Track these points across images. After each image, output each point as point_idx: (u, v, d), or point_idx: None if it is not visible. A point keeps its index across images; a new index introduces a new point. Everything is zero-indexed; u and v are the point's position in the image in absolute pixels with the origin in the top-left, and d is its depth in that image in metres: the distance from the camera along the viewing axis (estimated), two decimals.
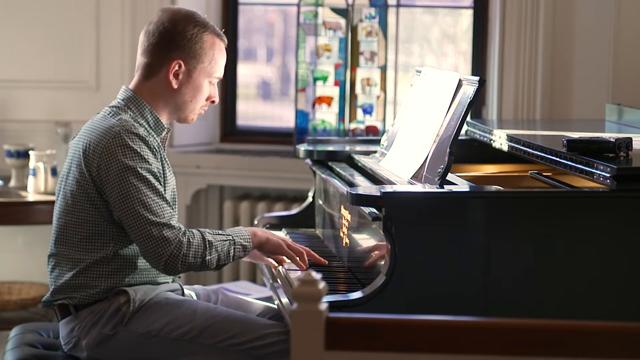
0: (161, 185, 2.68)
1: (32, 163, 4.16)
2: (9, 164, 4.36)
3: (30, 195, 4.14)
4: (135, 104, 2.76)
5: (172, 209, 2.68)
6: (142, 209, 2.60)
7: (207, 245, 2.64)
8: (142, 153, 2.64)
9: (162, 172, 2.73)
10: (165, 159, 2.78)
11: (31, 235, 4.71)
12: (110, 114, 2.73)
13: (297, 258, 2.77)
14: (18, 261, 4.78)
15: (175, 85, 2.76)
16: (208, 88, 2.81)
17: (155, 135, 2.77)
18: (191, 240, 2.62)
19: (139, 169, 2.62)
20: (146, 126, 2.76)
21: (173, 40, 2.75)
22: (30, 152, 4.19)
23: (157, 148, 2.72)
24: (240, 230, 2.74)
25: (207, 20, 2.81)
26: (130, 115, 2.74)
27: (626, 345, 1.64)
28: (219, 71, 2.82)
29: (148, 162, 2.65)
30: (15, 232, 4.77)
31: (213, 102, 2.85)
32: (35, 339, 2.89)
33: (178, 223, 2.65)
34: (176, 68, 2.75)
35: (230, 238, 2.69)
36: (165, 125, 2.81)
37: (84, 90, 4.72)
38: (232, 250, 2.69)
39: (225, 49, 2.85)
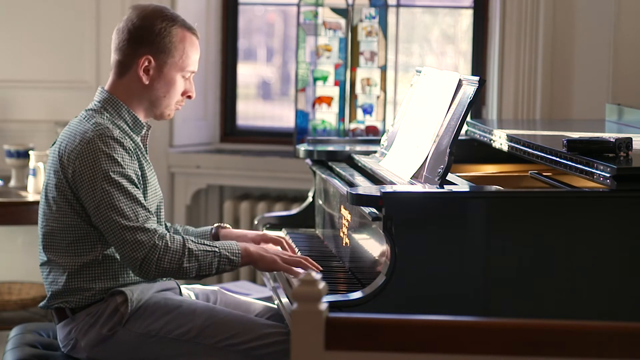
0: (138, 187, 2.66)
1: (32, 163, 4.16)
2: (9, 164, 4.36)
3: (30, 195, 4.14)
4: (111, 105, 2.75)
5: (150, 212, 2.64)
6: (114, 214, 2.59)
7: (187, 253, 2.60)
8: (116, 156, 2.62)
9: (140, 173, 2.70)
10: (146, 158, 2.77)
11: (31, 235, 4.71)
12: (86, 118, 2.72)
13: (295, 271, 2.73)
14: (18, 261, 4.78)
15: (146, 81, 2.75)
16: (182, 83, 2.79)
17: (134, 135, 2.76)
18: (169, 245, 2.59)
19: (111, 174, 2.60)
20: (124, 127, 2.74)
21: (141, 36, 2.73)
22: (30, 152, 4.19)
23: (133, 149, 2.71)
24: (231, 244, 2.68)
25: (176, 14, 2.79)
26: (107, 117, 2.72)
27: (626, 345, 1.64)
28: (192, 65, 2.80)
29: (122, 165, 2.63)
30: (15, 232, 4.77)
31: (189, 97, 2.83)
32: (35, 339, 2.89)
33: (158, 226, 2.62)
34: (146, 64, 2.74)
35: (216, 250, 2.64)
36: (144, 123, 2.80)
37: (84, 90, 4.71)
38: (216, 262, 2.63)
39: (198, 41, 2.82)
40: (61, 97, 4.76)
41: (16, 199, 4.13)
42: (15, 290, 4.61)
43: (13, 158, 4.33)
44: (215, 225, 3.00)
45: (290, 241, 2.96)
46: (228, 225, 3.01)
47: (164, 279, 2.83)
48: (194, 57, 2.80)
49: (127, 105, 2.76)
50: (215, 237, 2.96)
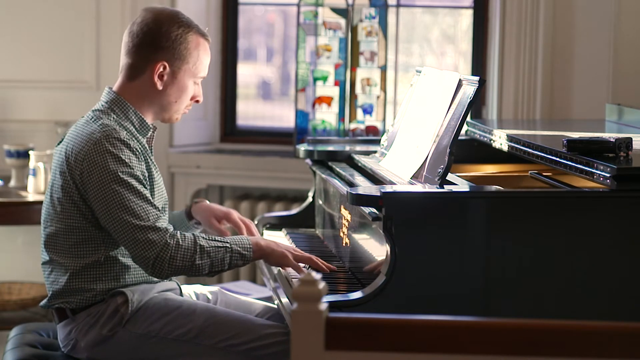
0: (146, 188, 2.66)
1: (32, 163, 4.16)
2: (9, 164, 4.36)
3: (30, 195, 4.14)
4: (119, 106, 2.75)
5: (160, 210, 2.65)
6: (125, 215, 2.58)
7: (198, 250, 2.59)
8: (123, 157, 2.62)
9: (146, 175, 2.70)
10: (152, 160, 2.77)
11: (31, 235, 4.71)
12: (93, 119, 2.71)
13: (303, 270, 2.72)
14: (18, 261, 4.78)
15: (160, 87, 2.74)
16: (193, 88, 2.79)
17: (140, 137, 2.76)
18: (180, 243, 2.58)
19: (120, 174, 2.60)
20: (131, 128, 2.74)
21: (157, 42, 2.72)
22: (30, 152, 4.20)
23: (140, 150, 2.71)
24: (242, 239, 2.67)
25: (191, 20, 2.78)
26: (114, 118, 2.72)
27: (626, 345, 1.64)
28: (204, 71, 2.80)
29: (130, 166, 2.63)
30: (15, 232, 4.77)
31: (197, 101, 2.84)
32: (35, 339, 2.89)
33: (168, 225, 2.62)
34: (161, 69, 2.73)
35: (228, 245, 2.63)
36: (151, 126, 2.80)
37: (84, 90, 4.72)
38: (228, 258, 2.62)
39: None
40: (61, 97, 4.76)
41: (16, 199, 4.13)
42: (15, 290, 4.61)
43: (13, 158, 4.33)
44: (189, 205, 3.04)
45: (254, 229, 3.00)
46: (202, 199, 3.06)
47: (168, 279, 2.83)
48: (206, 62, 2.81)
49: (136, 107, 2.75)
50: (189, 214, 3.03)
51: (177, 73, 2.75)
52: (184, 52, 2.73)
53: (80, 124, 2.74)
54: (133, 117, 2.75)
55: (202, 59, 2.78)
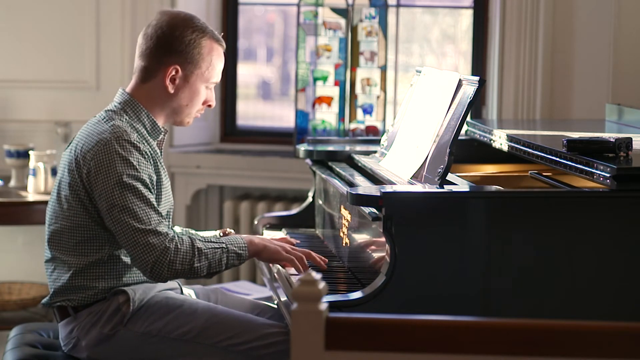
0: (151, 192, 2.66)
1: (32, 163, 4.16)
2: (9, 164, 4.36)
3: (30, 195, 4.14)
4: (132, 108, 2.75)
5: (162, 216, 2.65)
6: (127, 217, 2.59)
7: (196, 252, 2.60)
8: (131, 160, 2.63)
9: (154, 178, 2.70)
10: (161, 163, 2.77)
11: (31, 235, 4.71)
12: (105, 119, 2.72)
13: (297, 263, 2.74)
14: (18, 261, 4.78)
15: (171, 90, 2.75)
16: (205, 92, 2.80)
17: (151, 140, 2.76)
18: (179, 247, 2.59)
19: (126, 177, 2.61)
20: (142, 130, 2.74)
21: (171, 45, 2.73)
22: (30, 152, 4.20)
23: (150, 153, 2.71)
24: (236, 239, 2.70)
25: (206, 25, 2.79)
26: (126, 119, 2.73)
27: (626, 345, 1.64)
28: (216, 76, 2.80)
29: (137, 169, 2.63)
30: (15, 232, 4.77)
31: (209, 106, 2.84)
32: (35, 339, 2.89)
33: (169, 230, 2.62)
34: (173, 73, 2.74)
35: (224, 246, 2.65)
36: (162, 129, 2.80)
37: (84, 90, 4.72)
38: (225, 258, 2.64)
39: (224, 52, 2.84)
40: (61, 97, 4.75)
41: (16, 199, 4.13)
42: (15, 290, 4.61)
43: (13, 158, 4.33)
44: (219, 231, 3.01)
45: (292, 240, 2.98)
46: (231, 230, 3.03)
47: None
48: (219, 68, 2.80)
49: (148, 109, 2.76)
50: None
51: (190, 77, 2.75)
52: (197, 56, 2.74)
53: (91, 123, 2.74)
54: (145, 119, 2.75)
55: (215, 64, 2.78)
